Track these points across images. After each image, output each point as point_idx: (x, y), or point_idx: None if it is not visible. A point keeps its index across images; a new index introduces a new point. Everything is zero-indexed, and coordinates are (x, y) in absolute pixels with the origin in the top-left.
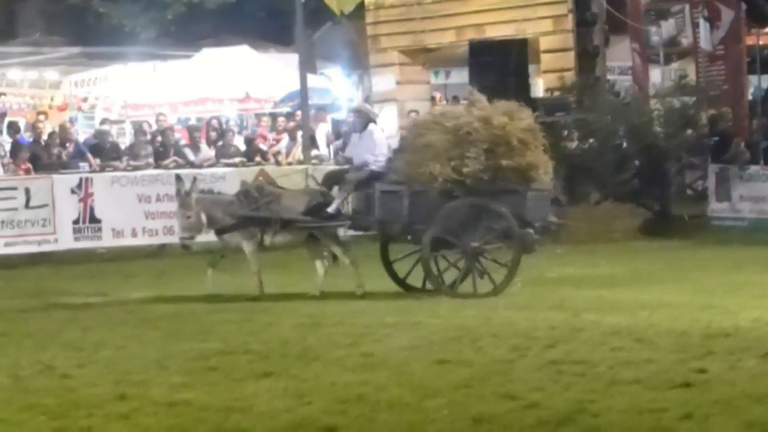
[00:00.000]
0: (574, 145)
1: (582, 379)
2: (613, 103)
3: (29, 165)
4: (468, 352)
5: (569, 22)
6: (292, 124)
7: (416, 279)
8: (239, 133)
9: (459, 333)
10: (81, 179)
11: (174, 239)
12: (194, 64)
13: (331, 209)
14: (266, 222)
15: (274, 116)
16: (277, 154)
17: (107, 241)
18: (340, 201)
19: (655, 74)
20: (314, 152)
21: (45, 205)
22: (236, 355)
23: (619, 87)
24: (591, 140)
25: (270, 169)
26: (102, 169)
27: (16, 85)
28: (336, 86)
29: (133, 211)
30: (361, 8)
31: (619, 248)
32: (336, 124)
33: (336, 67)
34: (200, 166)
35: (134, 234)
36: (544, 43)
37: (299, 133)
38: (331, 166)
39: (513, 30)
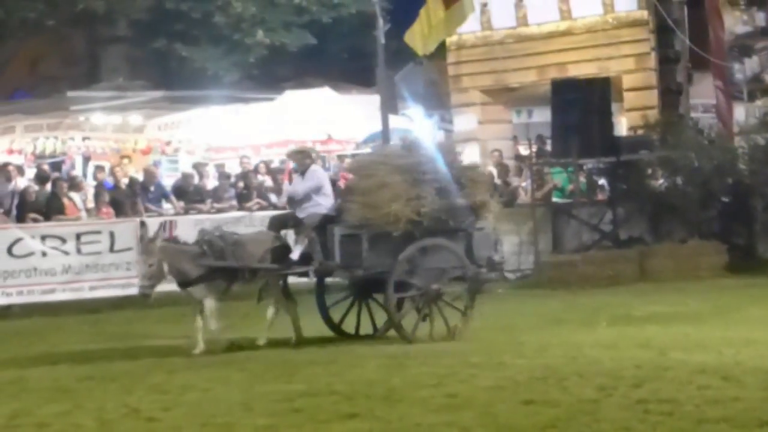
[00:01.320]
0: (658, 183)
1: (669, 418)
2: (697, 140)
3: (111, 209)
4: (554, 392)
5: (652, 60)
6: None
7: (349, 325)
8: None
9: (544, 373)
10: (164, 223)
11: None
12: (276, 107)
13: (294, 255)
14: (234, 272)
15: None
16: None
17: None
18: (303, 246)
19: (739, 111)
20: None
21: (129, 249)
22: (321, 396)
23: (702, 124)
24: (676, 178)
25: None
26: (186, 212)
27: (99, 129)
28: (417, 126)
29: None
30: (442, 48)
31: (705, 286)
32: None
33: (417, 107)
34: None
35: None
36: (627, 81)
37: None
38: None
39: (595, 68)
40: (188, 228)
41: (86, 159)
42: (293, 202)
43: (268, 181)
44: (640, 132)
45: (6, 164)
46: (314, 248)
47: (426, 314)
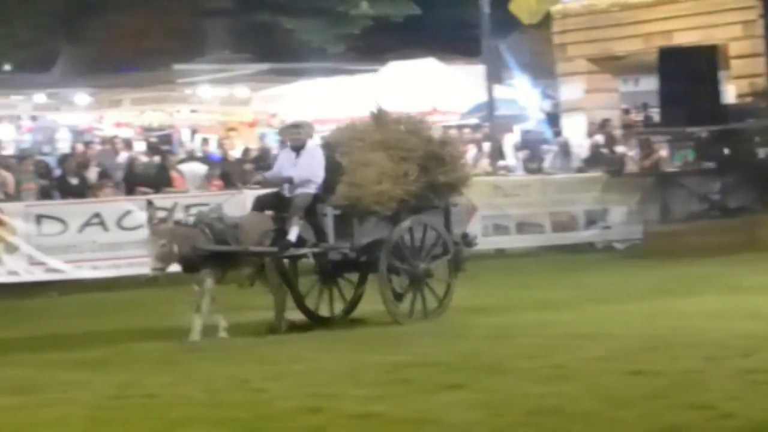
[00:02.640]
0: (766, 151)
1: None
2: None
3: (221, 182)
4: (661, 363)
5: (759, 27)
6: (478, 135)
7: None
8: None
9: (652, 343)
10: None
11: None
12: (380, 78)
13: (292, 237)
14: (234, 256)
15: (460, 128)
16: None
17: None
18: (298, 227)
19: None
20: (501, 163)
21: None
22: (427, 367)
23: None
24: None
25: None
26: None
27: (206, 102)
28: (523, 96)
29: None
30: (547, 17)
31: None
32: (524, 134)
33: (522, 77)
34: None
35: None
36: (734, 48)
37: (485, 144)
38: (519, 176)
39: (701, 36)
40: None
41: (193, 132)
42: (289, 181)
43: None
44: (747, 100)
45: (114, 137)
46: (307, 230)
47: (415, 294)
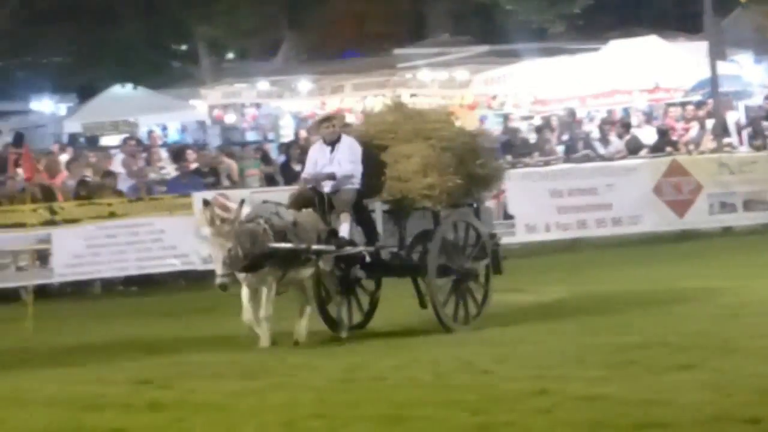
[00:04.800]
0: None
1: None
2: None
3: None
4: None
5: None
6: (701, 112)
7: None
8: (649, 123)
9: None
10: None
11: (588, 233)
12: (602, 57)
13: (344, 233)
14: (297, 255)
15: (683, 105)
16: (687, 143)
17: (521, 236)
18: (348, 225)
19: None
20: (726, 140)
21: None
22: (654, 347)
23: None
24: None
25: (682, 159)
26: (513, 166)
27: (426, 86)
28: (747, 73)
29: (545, 206)
30: None
31: None
32: (749, 110)
33: (746, 53)
34: (611, 159)
35: (547, 229)
36: None
37: (708, 122)
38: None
39: None
40: (516, 182)
41: None
42: (332, 177)
43: (595, 132)
44: None
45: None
46: (354, 228)
47: (462, 296)
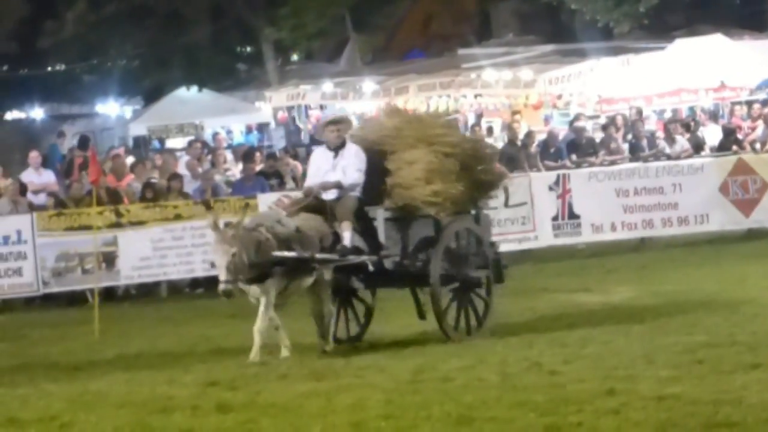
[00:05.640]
0: None
1: None
2: None
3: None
4: None
5: None
6: (767, 111)
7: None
8: (714, 122)
9: None
10: (558, 176)
11: (654, 232)
12: (667, 56)
13: (347, 242)
14: (301, 264)
15: (749, 104)
16: (753, 142)
17: (587, 236)
18: (350, 232)
19: None
20: None
21: (524, 203)
22: (723, 347)
23: None
24: None
25: (748, 157)
26: (579, 165)
27: (491, 86)
28: None
29: (611, 205)
30: None
31: None
32: None
33: None
34: (677, 158)
35: (613, 228)
36: None
37: None
38: None
39: None
40: (582, 181)
41: (478, 116)
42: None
43: (660, 132)
44: None
45: None
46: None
47: (464, 305)
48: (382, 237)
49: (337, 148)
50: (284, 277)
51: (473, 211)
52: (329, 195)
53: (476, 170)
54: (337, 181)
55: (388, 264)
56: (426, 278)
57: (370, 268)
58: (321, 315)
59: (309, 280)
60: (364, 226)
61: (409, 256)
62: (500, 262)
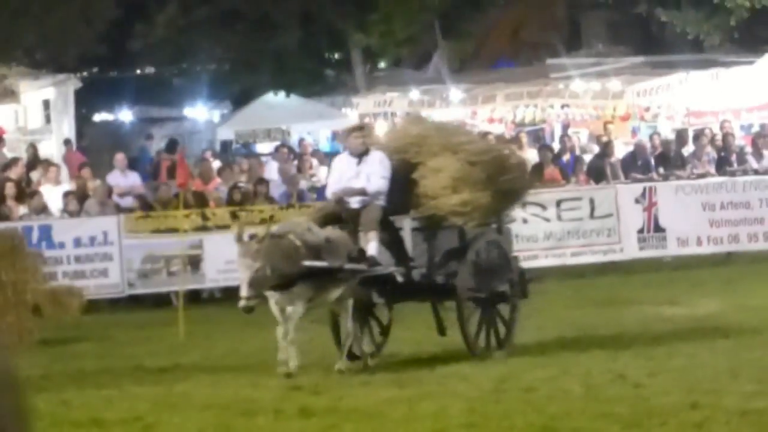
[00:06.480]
0: None
1: None
2: None
3: (587, 177)
4: None
5: None
6: None
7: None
8: None
9: None
10: (645, 188)
11: (739, 247)
12: (757, 70)
13: (372, 252)
14: (329, 274)
15: None
16: None
17: (672, 249)
18: (376, 243)
19: None
20: None
21: (610, 215)
22: None
23: None
24: None
25: None
26: (666, 178)
27: (578, 96)
28: None
29: (697, 219)
30: None
31: None
32: None
33: None
34: (764, 173)
35: (699, 242)
36: None
37: None
38: None
39: None
40: (668, 194)
41: (565, 126)
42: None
43: (748, 146)
44: None
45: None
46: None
47: (488, 322)
48: (409, 248)
49: (361, 154)
50: (312, 287)
51: (496, 224)
52: (356, 203)
53: (501, 179)
54: (361, 188)
55: (415, 276)
56: (452, 291)
57: (399, 279)
58: (336, 327)
59: (336, 293)
60: (390, 236)
61: (435, 267)
62: (525, 276)
